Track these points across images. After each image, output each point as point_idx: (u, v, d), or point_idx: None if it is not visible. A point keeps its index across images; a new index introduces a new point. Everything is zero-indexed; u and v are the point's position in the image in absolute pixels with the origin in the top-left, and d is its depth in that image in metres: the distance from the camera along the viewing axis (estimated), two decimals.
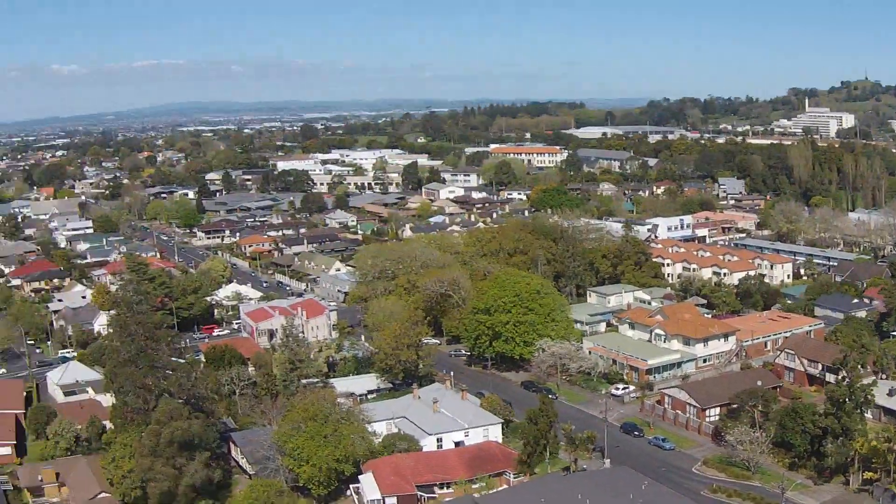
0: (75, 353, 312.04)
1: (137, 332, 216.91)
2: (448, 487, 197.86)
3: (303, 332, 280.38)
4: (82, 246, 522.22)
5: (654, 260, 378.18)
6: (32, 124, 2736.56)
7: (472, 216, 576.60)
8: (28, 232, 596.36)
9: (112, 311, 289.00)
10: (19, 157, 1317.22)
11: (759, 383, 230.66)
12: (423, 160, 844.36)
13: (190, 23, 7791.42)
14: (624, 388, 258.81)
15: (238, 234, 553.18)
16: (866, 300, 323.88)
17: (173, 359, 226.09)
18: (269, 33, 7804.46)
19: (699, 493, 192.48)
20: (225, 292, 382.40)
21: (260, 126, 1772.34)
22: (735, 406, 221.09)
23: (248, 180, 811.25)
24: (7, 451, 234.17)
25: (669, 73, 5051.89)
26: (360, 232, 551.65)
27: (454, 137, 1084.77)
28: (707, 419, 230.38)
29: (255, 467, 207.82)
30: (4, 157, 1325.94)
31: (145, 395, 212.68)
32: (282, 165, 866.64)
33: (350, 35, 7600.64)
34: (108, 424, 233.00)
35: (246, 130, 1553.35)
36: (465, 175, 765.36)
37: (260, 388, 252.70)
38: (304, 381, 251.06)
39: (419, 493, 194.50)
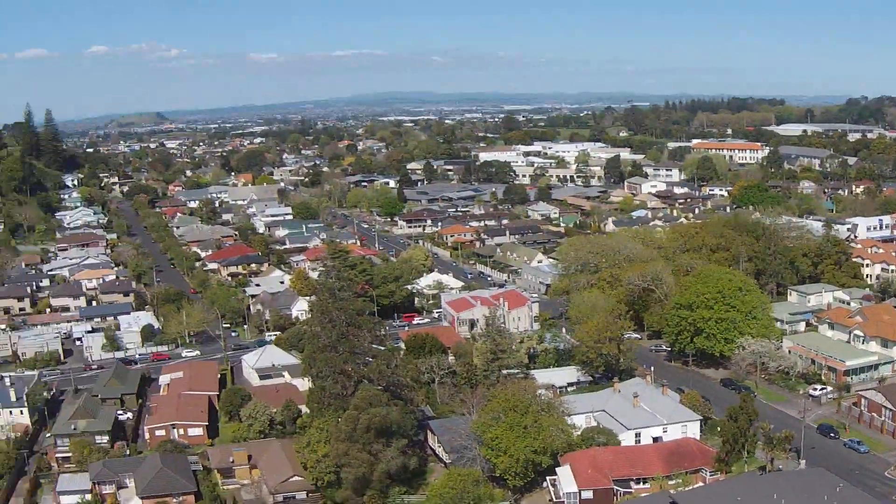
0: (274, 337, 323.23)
1: (339, 318, 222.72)
2: (645, 483, 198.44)
3: (504, 323, 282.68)
4: (281, 232, 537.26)
5: (853, 260, 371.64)
6: (229, 111, 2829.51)
7: (675, 211, 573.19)
8: (225, 217, 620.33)
9: (312, 297, 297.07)
10: (216, 143, 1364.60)
11: None
12: (625, 154, 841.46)
13: (391, 14, 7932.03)
14: (821, 389, 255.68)
15: (440, 223, 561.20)
16: None
17: (374, 346, 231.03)
18: (471, 24, 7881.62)
19: (891, 497, 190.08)
20: (426, 281, 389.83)
21: (461, 117, 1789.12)
22: None
23: (450, 170, 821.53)
24: (199, 431, 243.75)
25: (868, 70, 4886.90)
26: (562, 224, 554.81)
27: (656, 132, 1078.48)
28: None
29: (451, 456, 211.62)
30: (201, 144, 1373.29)
31: (344, 380, 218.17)
32: (484, 156, 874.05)
33: (551, 27, 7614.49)
34: (304, 409, 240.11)
35: (447, 121, 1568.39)
36: (667, 170, 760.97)
37: (460, 377, 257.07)
38: (504, 371, 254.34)
39: (615, 487, 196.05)
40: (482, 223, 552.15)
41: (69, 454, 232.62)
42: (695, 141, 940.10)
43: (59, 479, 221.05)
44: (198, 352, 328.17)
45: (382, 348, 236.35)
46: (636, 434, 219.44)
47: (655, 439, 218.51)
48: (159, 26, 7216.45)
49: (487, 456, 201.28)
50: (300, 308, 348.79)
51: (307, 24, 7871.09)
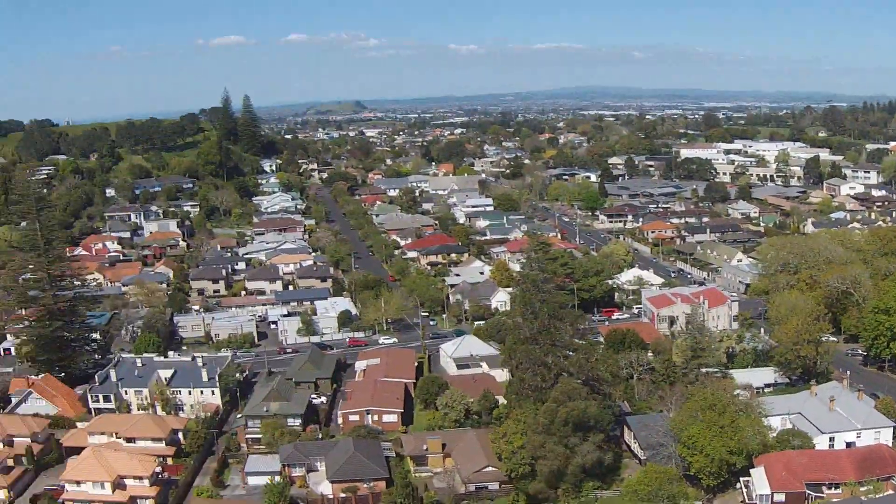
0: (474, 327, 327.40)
1: (541, 311, 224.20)
2: (836, 488, 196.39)
3: (704, 321, 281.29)
4: (482, 223, 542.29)
5: None
6: (428, 102, 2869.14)
7: (873, 214, 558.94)
8: (426, 206, 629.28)
9: (512, 289, 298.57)
10: (416, 133, 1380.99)
11: None
12: (824, 154, 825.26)
13: (592, 7, 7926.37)
14: None
15: (640, 219, 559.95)
16: None
17: (574, 339, 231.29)
18: (670, 19, 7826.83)
19: None
20: (626, 276, 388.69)
21: (661, 113, 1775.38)
22: None
23: (651, 166, 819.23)
24: (394, 418, 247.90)
25: None
26: (762, 224, 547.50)
27: (854, 133, 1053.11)
28: None
29: (647, 453, 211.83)
30: (401, 133, 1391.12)
31: (544, 372, 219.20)
32: (684, 153, 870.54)
33: (749, 23, 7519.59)
34: (501, 399, 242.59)
35: (648, 117, 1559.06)
36: (865, 172, 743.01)
37: (658, 373, 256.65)
38: (703, 369, 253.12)
39: (807, 491, 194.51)
40: (683, 220, 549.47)
41: (259, 435, 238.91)
42: (892, 143, 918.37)
43: (247, 460, 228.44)
44: (395, 339, 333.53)
45: (582, 342, 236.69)
46: (830, 438, 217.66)
47: (849, 444, 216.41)
48: (358, 16, 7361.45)
49: (683, 454, 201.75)
50: (500, 299, 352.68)
51: (508, 17, 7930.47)
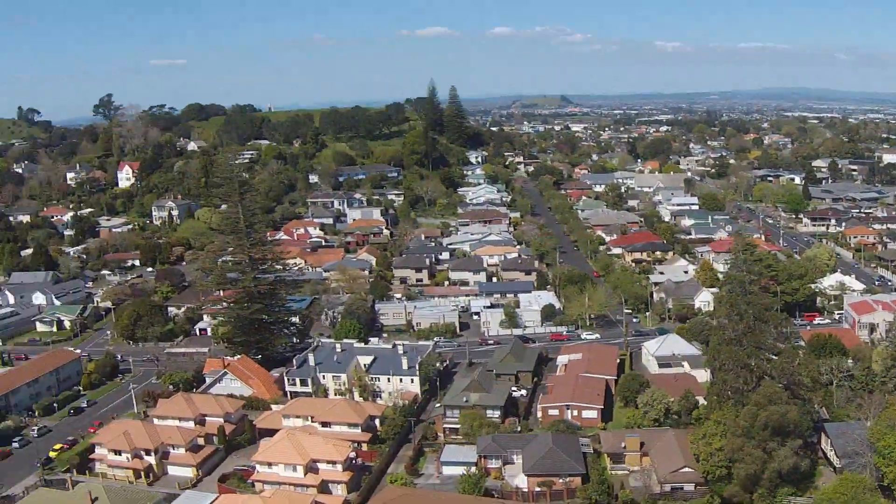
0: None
1: (747, 312, 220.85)
2: None
3: None
4: (687, 221, 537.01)
5: None
6: (634, 98, 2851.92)
7: None
8: (631, 203, 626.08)
9: (716, 289, 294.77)
10: (622, 129, 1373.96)
11: None
12: None
13: (795, 6, 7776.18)
14: None
15: (843, 223, 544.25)
16: None
17: (777, 342, 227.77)
18: (874, 19, 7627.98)
19: None
20: (828, 281, 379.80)
21: (863, 116, 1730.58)
22: None
23: (854, 170, 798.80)
24: (593, 414, 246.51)
25: None
26: None
27: None
28: None
29: (842, 461, 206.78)
30: (607, 129, 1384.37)
31: (746, 375, 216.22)
32: (887, 158, 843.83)
33: None
34: (701, 400, 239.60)
35: (850, 120, 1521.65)
36: None
37: (857, 381, 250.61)
38: None
39: None
40: (885, 226, 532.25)
41: (458, 426, 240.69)
42: None
43: (444, 450, 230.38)
44: (597, 335, 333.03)
45: (784, 346, 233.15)
46: None
47: None
48: (563, 10, 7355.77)
49: (879, 464, 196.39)
50: (703, 299, 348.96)
51: (713, 15, 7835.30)
